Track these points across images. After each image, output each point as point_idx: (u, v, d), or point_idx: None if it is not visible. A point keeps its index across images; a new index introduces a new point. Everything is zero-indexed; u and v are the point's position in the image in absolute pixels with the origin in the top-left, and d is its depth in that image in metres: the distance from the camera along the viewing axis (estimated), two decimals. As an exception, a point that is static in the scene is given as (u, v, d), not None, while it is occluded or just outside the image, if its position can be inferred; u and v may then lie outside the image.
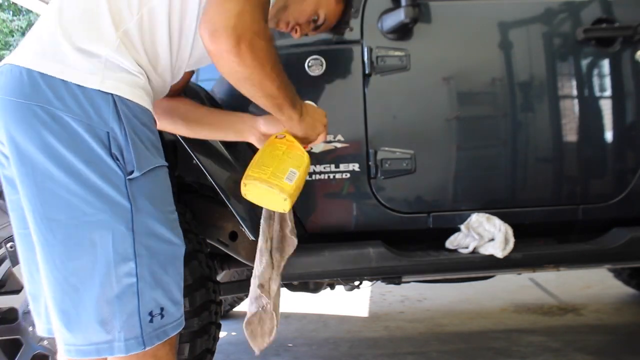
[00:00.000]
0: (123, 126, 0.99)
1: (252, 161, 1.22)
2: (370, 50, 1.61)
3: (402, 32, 1.61)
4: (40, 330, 1.16)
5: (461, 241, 1.60)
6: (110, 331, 0.99)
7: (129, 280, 0.99)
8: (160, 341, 1.03)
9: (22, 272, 1.16)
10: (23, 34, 14.49)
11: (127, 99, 1.01)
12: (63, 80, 0.98)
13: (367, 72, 1.62)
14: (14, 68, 1.00)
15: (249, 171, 1.20)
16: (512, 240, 1.56)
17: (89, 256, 0.98)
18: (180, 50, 1.11)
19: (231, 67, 1.04)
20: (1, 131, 1.01)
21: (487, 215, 1.58)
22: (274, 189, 1.17)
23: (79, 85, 0.98)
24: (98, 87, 0.99)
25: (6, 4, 14.48)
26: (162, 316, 1.03)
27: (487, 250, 1.56)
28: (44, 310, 1.13)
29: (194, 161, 1.56)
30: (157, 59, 1.09)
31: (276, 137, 1.25)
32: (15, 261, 1.66)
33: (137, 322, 0.99)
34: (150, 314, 1.01)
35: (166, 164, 1.09)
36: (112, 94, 1.00)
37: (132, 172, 1.00)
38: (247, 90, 1.12)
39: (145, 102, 1.05)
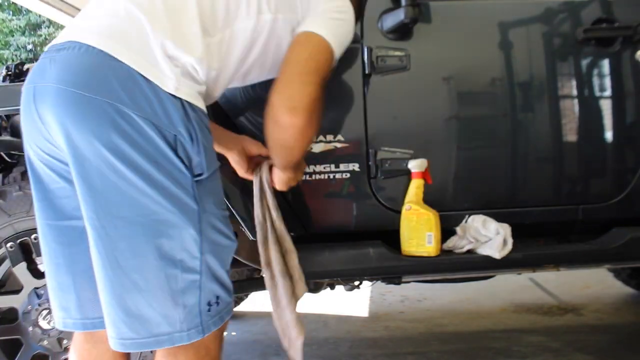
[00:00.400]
0: (194, 130, 1.02)
1: (401, 236, 1.58)
2: (370, 50, 1.61)
3: (402, 32, 1.61)
4: (66, 325, 1.16)
5: (457, 243, 1.60)
6: (173, 324, 1.02)
7: (193, 276, 1.03)
8: (216, 327, 1.08)
9: (46, 264, 1.14)
10: (23, 34, 14.50)
11: (195, 104, 1.04)
12: (143, 77, 0.97)
13: (367, 72, 1.62)
14: (78, 56, 0.97)
15: (403, 247, 1.58)
16: (510, 241, 1.55)
17: (154, 254, 1.00)
18: (239, 75, 1.18)
19: (286, 138, 1.17)
20: (58, 125, 0.98)
21: (482, 218, 1.58)
22: (424, 255, 1.56)
23: (154, 87, 0.98)
24: (173, 92, 1.00)
25: (6, 3, 14.48)
26: (218, 304, 1.08)
27: (484, 251, 1.56)
28: (74, 304, 1.13)
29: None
30: (219, 76, 1.13)
31: (405, 209, 1.57)
32: (15, 261, 1.66)
33: (197, 313, 1.04)
34: (209, 303, 1.06)
35: (219, 164, 1.13)
36: (182, 100, 1.01)
37: (200, 175, 1.03)
38: (277, 148, 1.25)
39: (205, 108, 1.09)
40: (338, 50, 1.21)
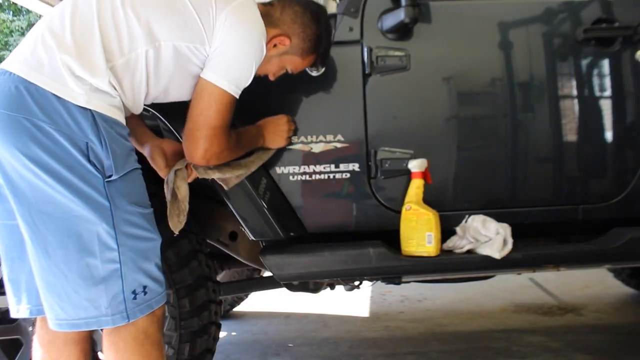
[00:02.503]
0: (103, 137, 1.17)
1: (401, 236, 1.59)
2: (370, 50, 1.61)
3: (402, 32, 1.61)
4: (19, 311, 1.29)
5: (457, 243, 1.60)
6: (98, 308, 1.17)
7: (113, 266, 1.17)
8: (143, 314, 1.21)
9: (2, 259, 1.28)
10: (23, 34, 14.50)
11: (106, 115, 1.19)
12: (54, 95, 1.14)
13: (367, 72, 1.62)
14: (4, 82, 1.15)
15: (403, 247, 1.59)
16: (510, 241, 1.55)
17: (75, 246, 1.15)
18: (152, 90, 1.31)
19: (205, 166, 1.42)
20: None
21: (482, 218, 1.58)
22: (424, 255, 1.57)
23: (64, 102, 1.14)
24: (84, 105, 1.16)
25: (6, 4, 14.48)
26: (145, 293, 1.21)
27: (484, 251, 1.56)
28: (24, 293, 1.27)
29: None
30: (133, 93, 1.27)
31: (405, 209, 1.58)
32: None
33: (122, 300, 1.18)
34: (134, 292, 1.20)
35: (139, 166, 1.27)
36: (91, 111, 1.16)
37: (111, 176, 1.17)
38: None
39: (120, 117, 1.24)
40: (237, 83, 1.33)
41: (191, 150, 1.35)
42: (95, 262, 1.16)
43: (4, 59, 1.25)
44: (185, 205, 1.49)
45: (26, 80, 1.14)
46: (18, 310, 1.29)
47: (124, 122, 1.25)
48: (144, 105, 1.37)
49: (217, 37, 1.29)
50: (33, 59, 1.17)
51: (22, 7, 12.38)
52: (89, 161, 1.15)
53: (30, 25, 14.46)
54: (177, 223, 1.49)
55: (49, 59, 1.16)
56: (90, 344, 1.38)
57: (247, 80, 1.36)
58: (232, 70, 1.32)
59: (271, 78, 1.50)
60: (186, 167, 1.50)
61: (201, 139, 1.32)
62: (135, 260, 1.20)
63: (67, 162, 1.14)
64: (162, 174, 1.52)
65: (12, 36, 14.48)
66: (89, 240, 1.15)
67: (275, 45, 1.42)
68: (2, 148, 1.13)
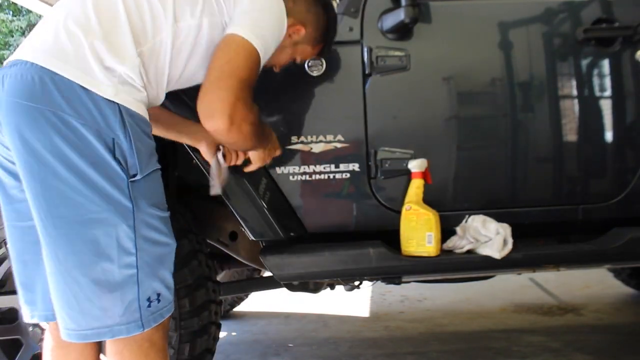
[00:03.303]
0: (128, 134, 1.10)
1: (401, 236, 1.59)
2: (370, 50, 1.61)
3: (402, 32, 1.61)
4: (33, 317, 1.25)
5: (457, 243, 1.60)
6: (112, 317, 1.10)
7: (130, 271, 1.11)
8: (156, 323, 1.15)
9: (13, 262, 1.24)
10: (23, 34, 14.50)
11: (133, 110, 1.12)
12: (80, 86, 1.07)
13: (367, 72, 1.62)
14: (24, 71, 1.07)
15: (403, 247, 1.59)
16: (510, 241, 1.55)
17: (91, 251, 1.08)
18: (174, 77, 1.24)
19: (220, 139, 1.26)
20: (9, 132, 1.08)
21: (482, 218, 1.58)
22: (424, 255, 1.57)
23: (91, 94, 1.07)
24: (112, 97, 1.09)
25: (6, 4, 14.47)
26: (159, 301, 1.16)
27: (484, 251, 1.56)
28: (40, 297, 1.22)
29: (194, 161, 1.56)
30: (157, 80, 1.20)
31: (405, 209, 1.57)
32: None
33: (137, 308, 1.12)
34: (149, 299, 1.14)
35: (160, 167, 1.20)
36: (119, 105, 1.09)
37: (135, 175, 1.11)
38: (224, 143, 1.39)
39: (145, 114, 1.17)
40: (263, 43, 1.23)
41: (212, 104, 1.15)
42: (111, 267, 1.09)
43: (4, 58, 1.22)
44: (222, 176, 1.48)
45: (50, 70, 1.06)
46: (32, 316, 1.24)
47: (148, 118, 1.18)
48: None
49: (242, 4, 1.24)
50: (56, 48, 1.09)
51: (22, 7, 12.37)
52: (115, 158, 1.08)
53: (30, 25, 14.46)
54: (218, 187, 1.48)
55: (75, 47, 1.09)
56: (100, 347, 1.33)
57: (271, 48, 1.27)
58: (260, 27, 1.23)
59: (277, 69, 1.46)
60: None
61: (228, 89, 1.14)
62: (152, 266, 1.14)
63: (91, 158, 1.07)
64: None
65: (12, 36, 14.48)
66: (106, 244, 1.08)
67: (290, 35, 1.37)
68: (24, 143, 1.06)
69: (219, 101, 1.15)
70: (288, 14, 1.32)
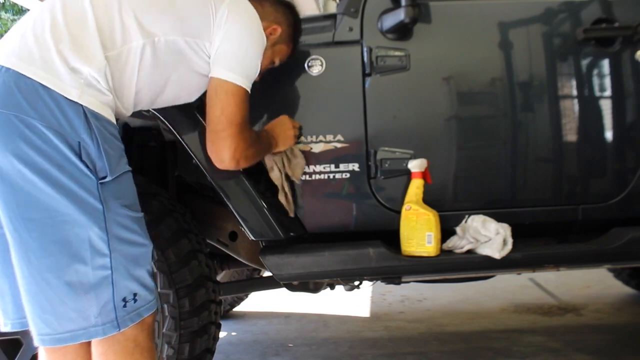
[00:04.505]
0: (95, 137, 1.10)
1: (401, 236, 1.59)
2: (370, 50, 1.61)
3: (402, 32, 1.61)
4: (6, 325, 1.22)
5: (457, 243, 1.60)
6: (87, 318, 1.10)
7: (104, 272, 1.11)
8: (133, 322, 1.15)
9: None
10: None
11: (98, 113, 1.13)
12: (45, 87, 1.07)
13: (367, 72, 1.62)
14: None
15: (403, 247, 1.59)
16: (510, 241, 1.55)
17: (63, 253, 1.08)
18: (144, 90, 1.25)
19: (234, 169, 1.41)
20: None
21: (482, 218, 1.58)
22: (424, 255, 1.57)
23: (55, 95, 1.08)
24: (77, 99, 1.10)
25: (8, 3, 14.47)
26: (135, 300, 1.15)
27: (484, 251, 1.56)
28: (11, 306, 1.20)
29: (194, 161, 1.56)
30: (122, 89, 1.21)
31: (405, 209, 1.58)
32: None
33: (112, 308, 1.12)
34: (124, 299, 1.13)
35: (130, 168, 1.21)
36: (83, 107, 1.10)
37: (104, 178, 1.12)
38: None
39: (111, 116, 1.18)
40: (249, 77, 1.33)
41: (220, 153, 1.32)
42: (85, 268, 1.09)
43: None
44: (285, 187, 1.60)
45: (15, 72, 1.07)
46: (5, 324, 1.22)
47: (114, 121, 1.19)
48: (142, 110, 1.34)
49: (218, 32, 1.27)
50: (22, 51, 1.10)
51: (22, 7, 12.36)
52: (82, 161, 1.09)
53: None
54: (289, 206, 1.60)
55: (41, 49, 1.10)
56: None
57: (256, 73, 1.36)
58: (243, 65, 1.31)
59: (257, 78, 1.46)
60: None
61: (228, 139, 1.29)
62: (126, 266, 1.14)
63: (58, 162, 1.07)
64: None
65: (12, 36, 14.47)
66: (78, 246, 1.08)
67: (268, 36, 1.42)
68: None
69: (226, 150, 1.31)
70: (261, 19, 1.38)
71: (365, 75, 1.62)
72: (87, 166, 1.09)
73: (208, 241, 1.87)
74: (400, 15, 1.54)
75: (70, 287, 1.08)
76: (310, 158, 1.62)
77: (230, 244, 1.89)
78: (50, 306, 1.09)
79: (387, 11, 1.61)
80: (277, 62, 1.53)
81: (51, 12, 1.15)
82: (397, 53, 1.62)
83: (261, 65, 1.41)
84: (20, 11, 14.43)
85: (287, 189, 1.59)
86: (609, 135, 1.68)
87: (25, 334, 1.67)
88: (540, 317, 2.78)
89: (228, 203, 1.58)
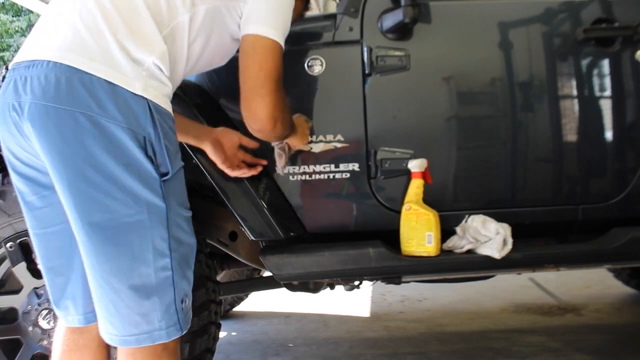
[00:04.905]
0: (157, 131, 1.06)
1: (401, 236, 1.59)
2: (370, 50, 1.61)
3: (402, 32, 1.61)
4: (68, 323, 1.22)
5: (457, 243, 1.60)
6: (151, 322, 1.08)
7: (165, 273, 1.08)
8: (189, 325, 1.14)
9: (42, 269, 1.20)
10: (24, 35, 14.49)
11: (160, 106, 1.09)
12: (108, 82, 1.02)
13: (367, 72, 1.62)
14: (48, 72, 1.02)
15: (403, 247, 1.59)
16: (510, 241, 1.55)
17: (126, 256, 1.05)
18: (190, 63, 1.22)
19: (268, 137, 1.36)
20: (37, 137, 1.03)
21: (482, 218, 1.58)
22: (424, 255, 1.58)
23: (120, 90, 1.03)
24: (141, 93, 1.05)
25: (8, 4, 14.47)
26: (187, 302, 1.14)
27: (484, 251, 1.56)
28: (71, 302, 1.20)
29: (194, 161, 1.56)
30: (175, 68, 1.17)
31: (405, 209, 1.58)
32: (15, 261, 1.66)
33: (174, 310, 1.10)
34: (182, 301, 1.12)
35: (183, 164, 1.16)
36: (148, 101, 1.06)
37: (166, 174, 1.08)
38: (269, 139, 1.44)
39: (171, 109, 1.14)
40: (284, 31, 1.27)
41: (259, 111, 1.23)
42: (148, 271, 1.06)
43: (4, 59, 1.19)
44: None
45: (76, 68, 1.01)
46: (67, 322, 1.22)
47: (173, 114, 1.15)
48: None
49: None
50: (77, 44, 1.03)
51: (22, 7, 12.36)
52: (147, 157, 1.04)
53: (31, 25, 14.47)
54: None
55: (98, 41, 1.04)
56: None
57: (289, 28, 1.30)
58: (278, 20, 1.25)
59: None
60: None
61: (267, 96, 1.22)
62: (182, 267, 1.12)
63: (124, 160, 1.03)
64: (222, 167, 1.50)
65: (11, 37, 14.49)
66: (141, 248, 1.05)
67: None
68: (53, 148, 1.02)
69: (264, 108, 1.23)
70: None
71: (365, 75, 1.62)
72: (152, 162, 1.06)
73: (208, 241, 1.87)
74: (400, 15, 1.54)
75: (135, 292, 1.06)
76: (310, 158, 1.62)
77: (230, 244, 1.89)
78: (115, 309, 1.07)
79: (387, 11, 1.61)
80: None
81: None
82: (397, 53, 1.62)
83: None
84: (19, 12, 14.44)
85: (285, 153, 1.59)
86: (609, 135, 1.68)
87: (25, 333, 1.68)
88: (540, 317, 2.78)
89: (228, 203, 1.58)
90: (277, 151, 1.59)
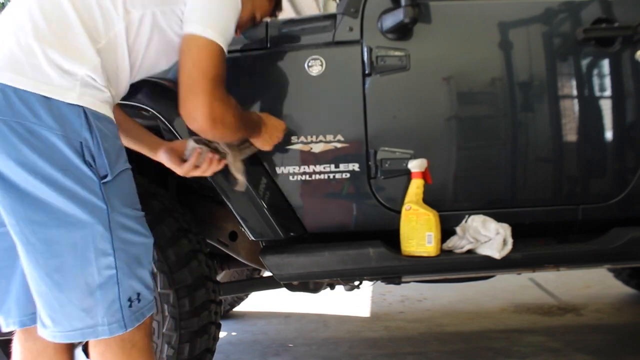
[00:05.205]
0: (95, 136, 1.10)
1: (401, 236, 1.59)
2: (370, 50, 1.61)
3: (402, 32, 1.61)
4: (9, 325, 1.24)
5: (457, 243, 1.60)
6: (94, 317, 1.11)
7: (109, 272, 1.11)
8: (138, 322, 1.16)
9: None
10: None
11: (97, 112, 1.12)
12: (41, 95, 1.06)
13: (367, 72, 1.62)
14: None
15: (403, 247, 1.59)
16: (510, 241, 1.55)
17: (70, 254, 1.09)
18: (135, 68, 1.25)
19: (212, 135, 1.33)
20: None
21: (482, 218, 1.57)
22: (424, 255, 1.58)
23: (53, 102, 1.07)
24: (76, 102, 1.09)
25: (8, 3, 14.47)
26: (139, 300, 1.16)
27: (484, 251, 1.56)
28: (14, 304, 1.22)
29: (194, 161, 1.56)
30: (119, 76, 1.21)
31: (405, 209, 1.58)
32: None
33: (118, 308, 1.12)
34: (129, 299, 1.14)
35: (130, 166, 1.20)
36: (83, 108, 1.09)
37: (105, 177, 1.11)
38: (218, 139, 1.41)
39: (110, 114, 1.17)
40: (223, 33, 1.26)
41: (193, 110, 1.22)
42: (91, 269, 1.10)
43: None
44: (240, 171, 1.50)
45: (9, 85, 1.06)
46: (8, 324, 1.24)
47: (113, 118, 1.18)
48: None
49: None
50: (10, 61, 1.07)
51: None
52: (85, 162, 1.09)
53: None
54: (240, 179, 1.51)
55: (28, 57, 1.07)
56: (73, 350, 1.34)
57: (232, 31, 1.30)
58: (215, 19, 1.25)
59: (238, 32, 1.43)
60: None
61: (201, 94, 1.21)
62: (130, 266, 1.14)
63: (61, 165, 1.07)
64: (180, 172, 1.50)
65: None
66: (83, 247, 1.09)
67: None
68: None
69: (198, 106, 1.22)
70: None
71: (365, 75, 1.62)
72: (89, 166, 1.09)
73: (208, 241, 1.87)
74: (400, 15, 1.53)
75: (77, 287, 1.09)
76: (310, 158, 1.62)
77: (230, 244, 1.89)
78: (58, 305, 1.10)
79: (387, 11, 1.61)
80: (258, 17, 1.49)
81: (29, 12, 1.11)
82: (397, 53, 1.62)
83: (242, 19, 1.37)
84: (20, 11, 14.44)
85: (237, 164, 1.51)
86: (609, 135, 1.68)
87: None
88: (540, 317, 2.78)
89: (228, 203, 1.58)
90: (229, 159, 1.48)
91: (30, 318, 1.22)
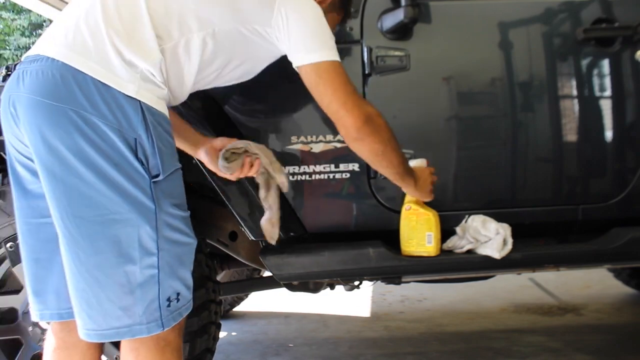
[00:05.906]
0: (150, 133, 1.09)
1: (401, 236, 1.59)
2: (370, 50, 1.61)
3: (402, 32, 1.61)
4: (43, 317, 1.23)
5: (457, 243, 1.60)
6: (132, 316, 1.09)
7: (151, 271, 1.10)
8: (175, 322, 1.15)
9: (24, 260, 1.21)
10: (23, 34, 14.50)
11: (154, 108, 1.11)
12: (102, 83, 1.06)
13: (367, 72, 1.62)
14: (45, 68, 1.06)
15: (403, 247, 1.59)
16: (510, 241, 1.55)
17: (113, 251, 1.07)
18: (201, 82, 1.25)
19: (372, 147, 1.32)
20: (29, 130, 1.06)
21: (482, 218, 1.57)
22: (424, 255, 1.57)
23: (112, 91, 1.06)
24: (133, 94, 1.08)
25: (9, 3, 14.47)
26: (178, 300, 1.15)
27: (484, 251, 1.56)
28: (53, 296, 1.21)
29: (194, 161, 1.56)
30: (179, 81, 1.20)
31: (405, 209, 1.57)
32: (15, 261, 1.66)
33: (157, 307, 1.11)
34: (168, 299, 1.13)
35: (180, 166, 1.19)
36: (141, 103, 1.09)
37: (157, 176, 1.10)
38: (379, 163, 1.38)
39: (166, 111, 1.17)
40: (333, 46, 1.28)
41: (351, 124, 1.26)
42: (133, 268, 1.08)
43: (3, 58, 1.22)
44: (277, 215, 1.48)
45: (71, 67, 1.06)
46: (42, 315, 1.23)
47: (168, 116, 1.18)
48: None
49: (279, 14, 1.23)
50: (77, 43, 1.08)
51: (22, 8, 12.36)
52: (137, 158, 1.07)
53: (31, 23, 14.47)
54: (271, 232, 1.49)
55: (95, 42, 1.08)
56: (104, 344, 1.34)
57: (334, 37, 1.31)
58: (321, 39, 1.27)
59: None
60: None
61: (354, 108, 1.26)
62: (172, 266, 1.14)
63: (114, 159, 1.05)
64: (219, 173, 1.48)
65: (11, 35, 14.48)
66: (128, 245, 1.08)
67: (319, 5, 1.35)
68: (45, 142, 1.05)
69: (355, 119, 1.26)
70: None
71: (365, 75, 1.62)
72: (141, 164, 1.08)
73: (208, 241, 1.87)
74: (400, 15, 1.54)
75: (118, 286, 1.08)
76: (310, 158, 1.62)
77: (230, 244, 1.89)
78: (97, 303, 1.09)
79: (387, 11, 1.61)
80: (332, 28, 1.48)
81: (103, 2, 1.12)
82: (397, 53, 1.62)
83: None
84: (20, 11, 14.43)
85: (274, 206, 1.50)
86: (609, 135, 1.68)
87: (26, 333, 1.68)
88: (540, 317, 2.78)
89: (228, 203, 1.58)
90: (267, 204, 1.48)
91: (68, 312, 1.20)
